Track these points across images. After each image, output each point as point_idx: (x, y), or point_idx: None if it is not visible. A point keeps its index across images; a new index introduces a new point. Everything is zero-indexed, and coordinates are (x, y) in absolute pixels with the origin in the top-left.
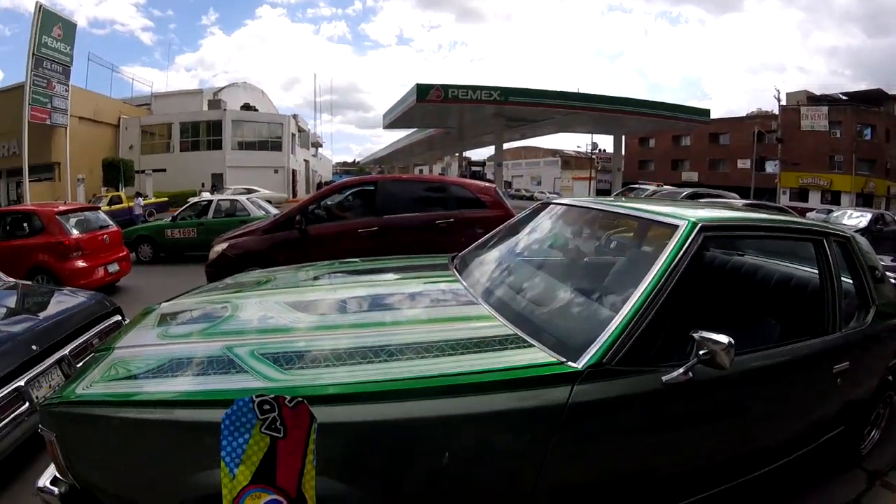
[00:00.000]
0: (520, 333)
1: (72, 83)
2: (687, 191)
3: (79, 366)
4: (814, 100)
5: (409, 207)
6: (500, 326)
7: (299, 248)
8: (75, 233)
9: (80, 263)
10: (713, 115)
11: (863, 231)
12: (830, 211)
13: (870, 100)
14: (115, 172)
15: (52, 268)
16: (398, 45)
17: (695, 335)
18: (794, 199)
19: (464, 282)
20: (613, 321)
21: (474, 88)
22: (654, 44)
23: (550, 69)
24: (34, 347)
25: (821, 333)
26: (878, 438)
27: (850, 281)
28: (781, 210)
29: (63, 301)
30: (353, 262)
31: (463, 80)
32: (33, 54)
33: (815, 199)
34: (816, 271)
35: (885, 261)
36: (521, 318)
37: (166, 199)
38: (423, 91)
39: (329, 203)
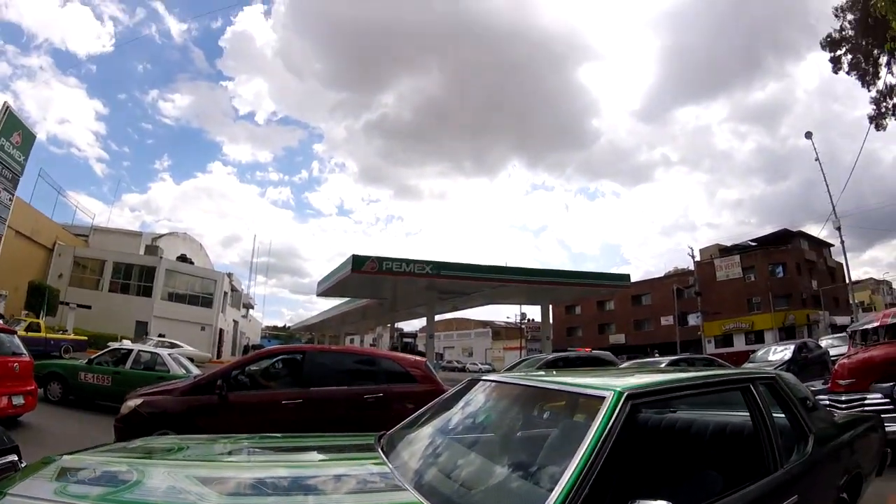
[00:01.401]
0: None
1: (17, 195)
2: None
3: None
4: (725, 251)
5: (336, 380)
6: None
7: (218, 415)
8: None
9: None
10: (633, 279)
11: (788, 363)
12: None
13: (777, 240)
14: (40, 298)
15: None
16: (338, 215)
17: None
18: (719, 346)
19: (390, 464)
20: (549, 499)
21: (408, 262)
22: (575, 217)
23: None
24: None
25: (763, 474)
26: None
27: (784, 416)
28: (709, 361)
29: None
30: (273, 438)
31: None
32: None
33: (739, 341)
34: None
35: (816, 385)
36: (453, 503)
37: (86, 338)
38: (358, 262)
39: (254, 369)
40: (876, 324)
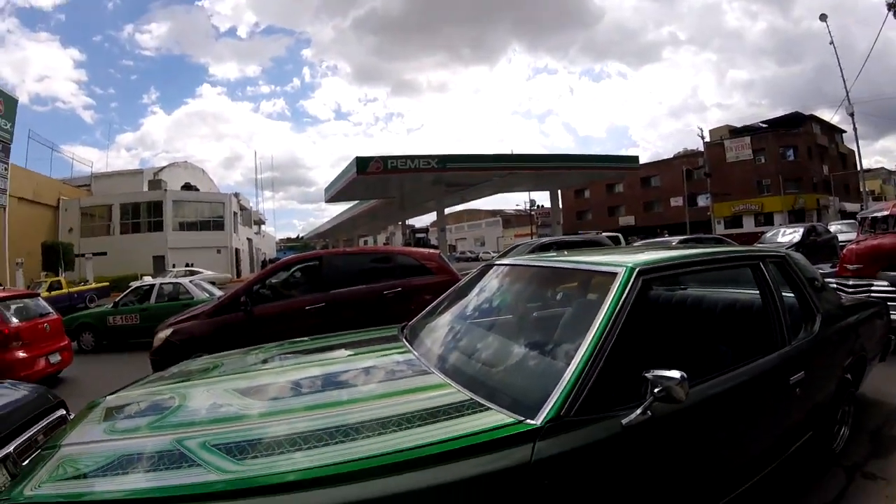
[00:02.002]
0: (475, 398)
1: (11, 161)
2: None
3: (24, 464)
4: (735, 132)
5: (355, 280)
6: (455, 393)
7: (246, 330)
8: (14, 321)
9: (20, 354)
10: (642, 161)
11: (797, 245)
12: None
13: (789, 123)
14: (55, 256)
15: None
16: (336, 119)
17: (647, 375)
18: (728, 227)
19: (415, 351)
20: (566, 373)
21: (413, 158)
22: (580, 100)
23: (484, 133)
24: None
25: (772, 349)
26: (849, 434)
27: (793, 295)
28: (718, 240)
29: (4, 395)
30: (302, 342)
31: (402, 150)
32: None
33: (748, 223)
34: (758, 293)
35: (824, 268)
36: (476, 381)
37: (107, 283)
38: (363, 164)
39: (274, 281)
40: (886, 212)
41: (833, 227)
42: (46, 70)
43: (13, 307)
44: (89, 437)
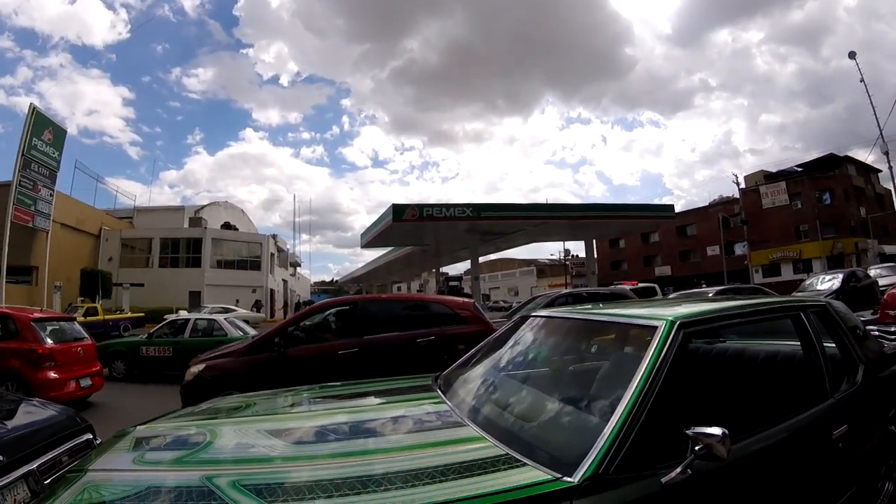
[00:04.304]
0: (511, 452)
1: (57, 189)
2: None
3: (47, 483)
4: (770, 177)
5: (388, 327)
6: (490, 447)
7: (278, 371)
8: (49, 342)
9: (53, 374)
10: (677, 209)
11: (837, 292)
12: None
13: (824, 166)
14: (93, 283)
15: (23, 375)
16: (374, 167)
17: (688, 432)
18: (766, 276)
19: (449, 402)
20: (605, 429)
21: (448, 206)
22: (613, 149)
23: (519, 182)
24: (0, 458)
25: (814, 403)
26: (894, 489)
27: (834, 345)
28: (756, 290)
29: (33, 412)
30: (333, 387)
31: (437, 197)
32: (22, 154)
33: (787, 270)
34: (799, 344)
35: (865, 315)
36: (511, 435)
37: (142, 314)
38: (398, 211)
39: (308, 324)
40: None
41: (873, 272)
42: (96, 105)
43: (49, 328)
44: (117, 466)
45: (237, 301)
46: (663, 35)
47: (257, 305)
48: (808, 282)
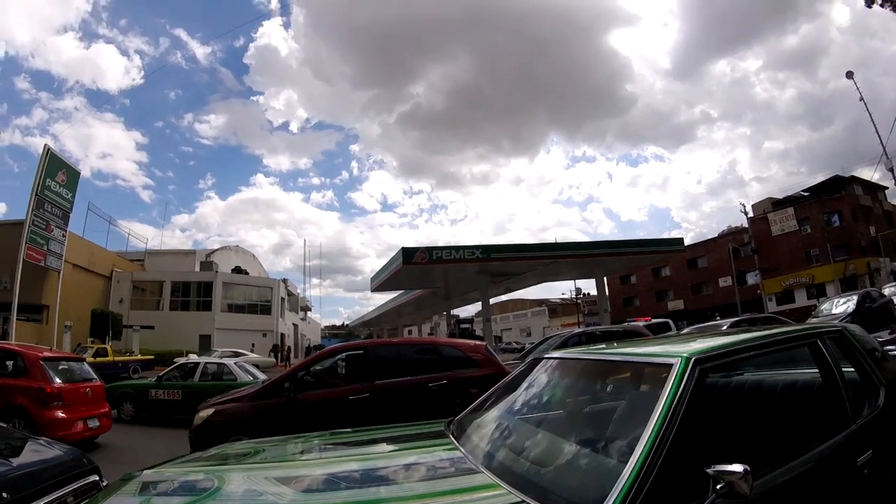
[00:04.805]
0: (527, 499)
1: (70, 229)
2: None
3: None
4: (777, 204)
5: (399, 371)
6: (505, 494)
7: (288, 416)
8: (58, 381)
9: (60, 414)
10: (687, 242)
11: (853, 315)
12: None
13: (830, 188)
14: (104, 324)
15: (31, 414)
16: (383, 211)
17: (708, 470)
18: (780, 303)
19: (462, 448)
20: (624, 471)
21: (457, 248)
22: (620, 185)
23: (527, 223)
24: (4, 495)
25: (836, 431)
26: None
27: (853, 369)
28: (770, 320)
29: (39, 451)
30: (344, 433)
31: (446, 239)
32: (36, 194)
33: (800, 296)
34: (818, 370)
35: (883, 336)
36: (527, 482)
37: (152, 357)
38: (408, 254)
39: (318, 368)
40: None
41: (887, 291)
42: (109, 148)
43: (58, 368)
44: None
45: (253, 346)
46: (662, 70)
47: (275, 350)
48: (822, 307)
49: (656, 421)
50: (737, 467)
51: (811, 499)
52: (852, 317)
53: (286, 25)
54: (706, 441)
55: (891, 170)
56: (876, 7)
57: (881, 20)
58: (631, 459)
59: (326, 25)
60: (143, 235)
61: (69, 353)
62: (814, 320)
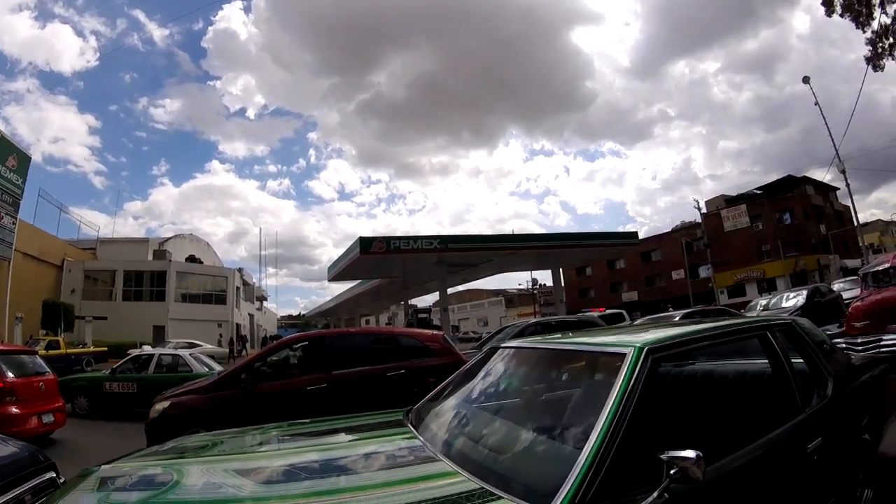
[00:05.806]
0: (486, 486)
1: (20, 217)
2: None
3: None
4: (731, 201)
5: (357, 361)
6: (464, 482)
7: (245, 408)
8: (10, 376)
9: (14, 409)
10: (641, 236)
11: (802, 309)
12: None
13: (783, 187)
14: (55, 316)
15: None
16: (340, 200)
17: (662, 456)
18: (732, 296)
19: (421, 437)
20: (579, 458)
21: (415, 238)
22: (577, 179)
23: (485, 214)
24: None
25: (786, 419)
26: (873, 495)
27: (802, 361)
28: (721, 312)
29: None
30: (302, 424)
31: (404, 229)
32: None
33: (752, 290)
34: (768, 361)
35: (831, 329)
36: (485, 469)
37: (105, 348)
38: (366, 244)
39: (276, 359)
40: (887, 265)
41: (836, 286)
42: (62, 132)
43: (10, 361)
44: None
45: (220, 337)
46: (622, 68)
47: (242, 341)
48: (772, 300)
49: (610, 408)
50: (689, 453)
51: (763, 483)
52: (802, 310)
53: (247, 9)
54: (660, 428)
55: (843, 171)
56: (835, 16)
57: (840, 30)
58: (586, 446)
59: (287, 10)
60: (95, 223)
61: (21, 345)
62: (766, 314)
